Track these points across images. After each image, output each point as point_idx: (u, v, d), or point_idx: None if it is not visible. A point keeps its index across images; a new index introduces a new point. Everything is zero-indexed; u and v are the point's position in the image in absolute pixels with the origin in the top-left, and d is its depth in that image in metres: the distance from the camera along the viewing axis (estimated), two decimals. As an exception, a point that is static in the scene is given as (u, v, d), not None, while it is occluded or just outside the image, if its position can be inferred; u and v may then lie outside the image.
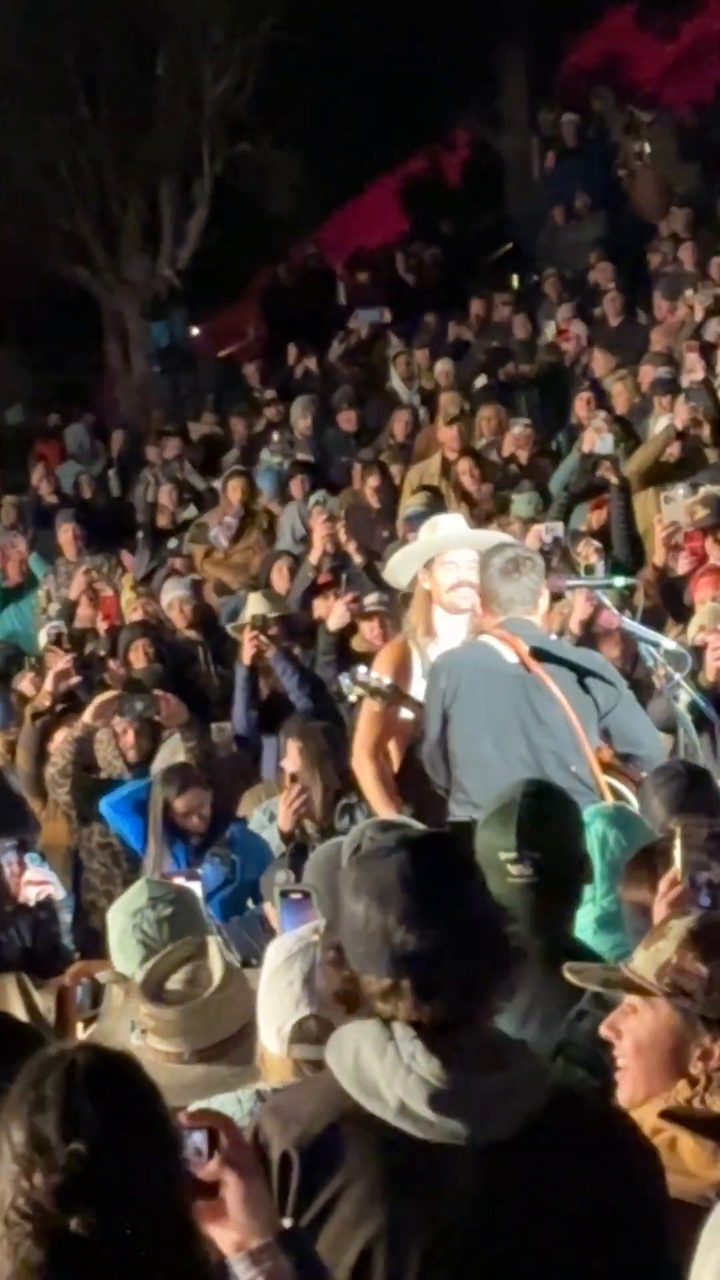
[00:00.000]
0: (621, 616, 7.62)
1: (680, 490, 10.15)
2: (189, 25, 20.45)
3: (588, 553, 9.22)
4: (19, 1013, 5.34)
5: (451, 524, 7.52)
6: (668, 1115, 3.19)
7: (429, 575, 7.11)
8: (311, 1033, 3.53)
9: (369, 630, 9.39)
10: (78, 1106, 2.24)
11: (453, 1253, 2.74)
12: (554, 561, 8.55)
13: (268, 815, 7.52)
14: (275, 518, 13.71)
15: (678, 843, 3.99)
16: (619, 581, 8.07)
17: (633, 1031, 3.31)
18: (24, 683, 10.13)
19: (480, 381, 16.02)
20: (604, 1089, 3.32)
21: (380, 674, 7.05)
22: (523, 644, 6.36)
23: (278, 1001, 3.62)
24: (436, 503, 11.38)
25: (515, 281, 19.95)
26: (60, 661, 9.70)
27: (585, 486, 11.46)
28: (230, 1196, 2.48)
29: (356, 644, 9.37)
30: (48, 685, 9.46)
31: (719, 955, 3.29)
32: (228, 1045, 3.98)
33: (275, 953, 3.74)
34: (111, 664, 10.19)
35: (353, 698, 7.25)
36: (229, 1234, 2.48)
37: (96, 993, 5.41)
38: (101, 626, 11.50)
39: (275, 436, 16.17)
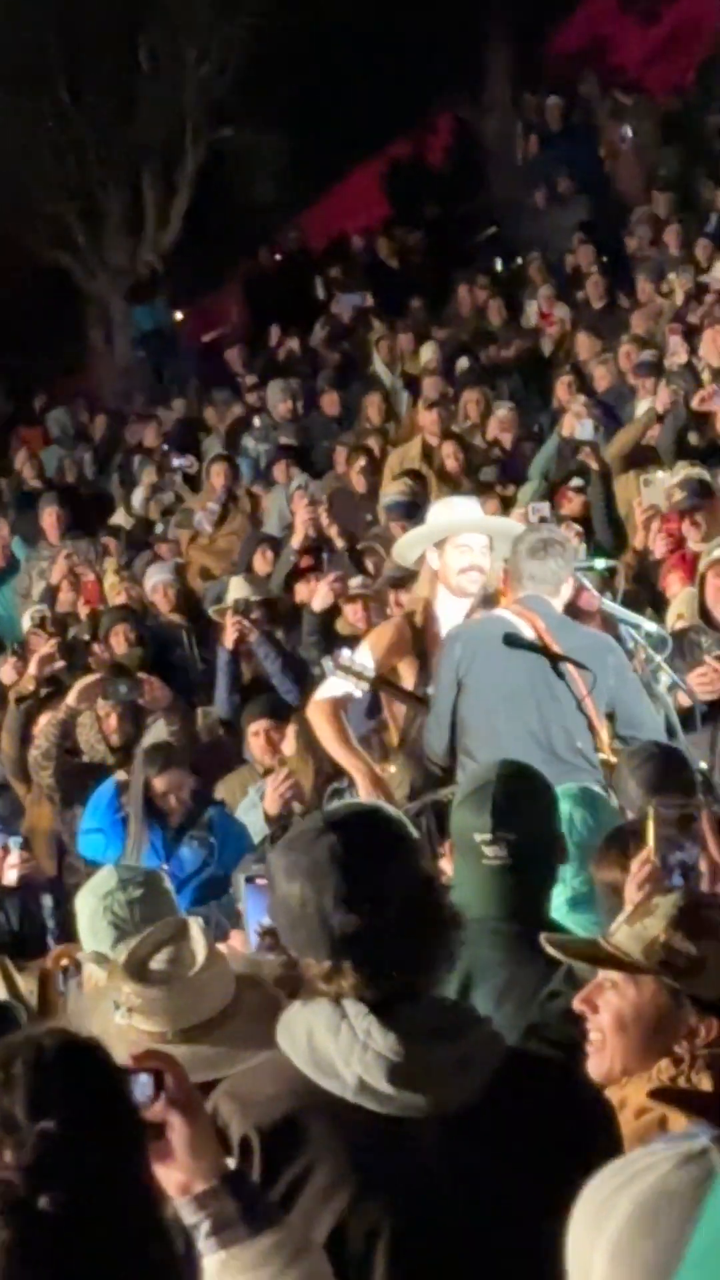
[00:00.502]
0: (602, 598, 7.65)
1: (660, 474, 10.15)
2: (172, 9, 20.38)
3: (569, 536, 9.23)
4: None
5: (467, 507, 7.52)
6: (657, 1094, 3.18)
7: (439, 555, 7.11)
8: None
9: (352, 613, 9.38)
10: (46, 1086, 2.25)
11: (423, 1221, 2.75)
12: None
13: (260, 794, 7.52)
14: (259, 499, 13.71)
15: (650, 823, 4.00)
16: (600, 564, 8.12)
17: (612, 1006, 3.29)
18: (4, 668, 10.02)
19: (463, 364, 16.01)
20: (567, 1062, 3.31)
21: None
22: (540, 620, 6.43)
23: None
24: (418, 490, 11.36)
25: (499, 265, 19.94)
26: (45, 645, 9.70)
27: (566, 473, 11.45)
28: (176, 1138, 2.52)
29: (340, 626, 9.36)
30: (32, 669, 9.46)
31: (708, 934, 3.28)
32: (211, 1025, 3.99)
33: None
34: (95, 648, 10.17)
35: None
36: (174, 1175, 2.52)
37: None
38: (83, 611, 11.49)
39: (256, 421, 16.14)
